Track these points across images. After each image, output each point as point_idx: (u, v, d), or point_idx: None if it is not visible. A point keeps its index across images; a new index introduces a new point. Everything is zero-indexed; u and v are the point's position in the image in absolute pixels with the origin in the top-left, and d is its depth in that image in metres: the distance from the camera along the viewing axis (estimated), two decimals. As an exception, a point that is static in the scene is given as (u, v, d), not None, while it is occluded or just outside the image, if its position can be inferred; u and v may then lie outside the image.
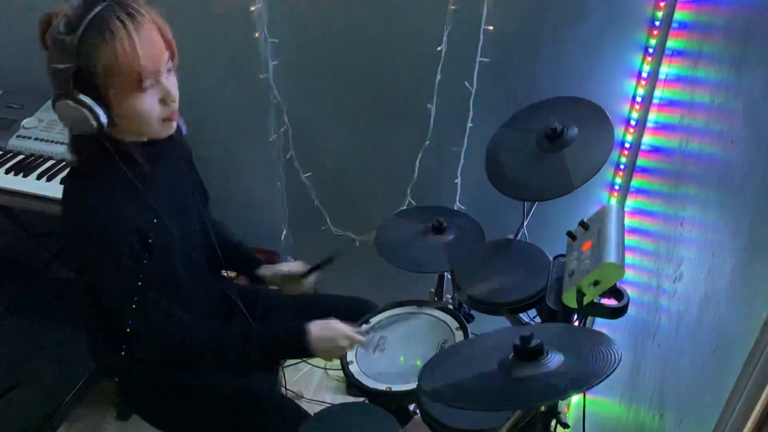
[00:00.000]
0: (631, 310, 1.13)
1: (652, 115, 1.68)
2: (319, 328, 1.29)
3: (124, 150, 1.15)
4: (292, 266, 1.57)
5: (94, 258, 1.16)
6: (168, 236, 1.25)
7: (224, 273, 2.04)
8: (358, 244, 2.21)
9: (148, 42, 1.07)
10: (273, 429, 1.35)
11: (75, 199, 1.16)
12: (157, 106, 1.13)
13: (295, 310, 1.59)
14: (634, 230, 1.68)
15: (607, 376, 0.81)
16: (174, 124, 1.18)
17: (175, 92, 1.15)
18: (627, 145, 1.77)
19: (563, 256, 1.27)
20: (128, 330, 1.18)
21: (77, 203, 1.15)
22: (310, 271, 1.54)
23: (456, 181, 1.96)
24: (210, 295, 1.44)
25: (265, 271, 1.57)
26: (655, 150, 1.67)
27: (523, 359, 0.90)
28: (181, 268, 1.31)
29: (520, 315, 1.44)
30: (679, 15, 1.54)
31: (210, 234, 1.47)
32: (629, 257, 1.59)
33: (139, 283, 1.16)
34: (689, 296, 1.18)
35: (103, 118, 1.08)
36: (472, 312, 1.53)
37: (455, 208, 1.98)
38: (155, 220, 1.21)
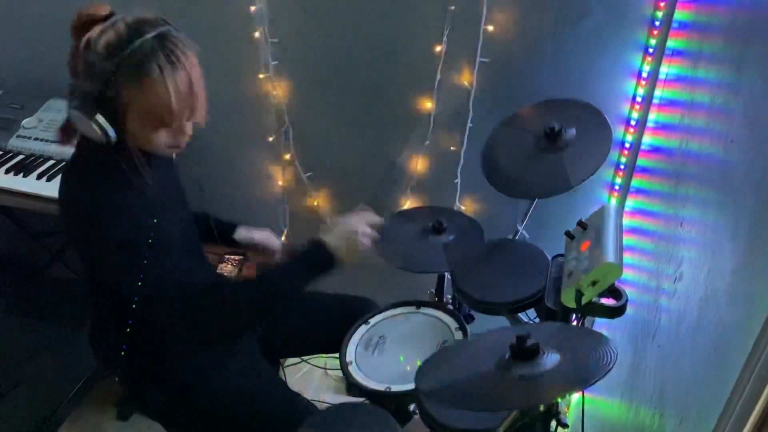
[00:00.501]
0: (631, 310, 1.13)
1: (652, 115, 1.68)
2: (332, 234, 1.29)
3: (125, 151, 1.15)
4: (265, 235, 1.57)
5: (98, 236, 1.15)
6: (165, 233, 1.25)
7: (225, 271, 2.05)
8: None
9: (182, 90, 1.06)
10: (278, 423, 1.35)
11: (78, 184, 1.16)
12: (169, 140, 1.14)
13: (295, 309, 1.59)
14: (634, 230, 1.67)
15: (604, 375, 0.81)
16: (178, 150, 1.19)
17: (188, 132, 1.15)
18: (627, 145, 1.77)
19: (562, 256, 1.27)
20: (130, 322, 1.18)
21: (81, 187, 1.16)
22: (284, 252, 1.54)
23: (456, 181, 1.96)
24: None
25: (241, 237, 1.55)
26: (655, 150, 1.67)
27: (519, 359, 0.90)
28: (182, 269, 1.31)
29: (520, 315, 1.44)
30: (679, 15, 1.54)
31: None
32: (629, 257, 1.59)
33: (145, 260, 1.15)
34: (689, 296, 1.18)
35: (112, 135, 1.09)
36: (472, 312, 1.53)
37: (455, 208, 1.98)
38: (155, 221, 1.22)
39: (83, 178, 1.17)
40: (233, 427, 1.38)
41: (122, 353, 1.26)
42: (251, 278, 1.26)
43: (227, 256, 2.09)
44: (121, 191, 1.15)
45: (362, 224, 1.32)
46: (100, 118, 1.06)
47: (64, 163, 1.95)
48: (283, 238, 2.26)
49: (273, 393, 1.42)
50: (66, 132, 1.19)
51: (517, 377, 0.87)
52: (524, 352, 0.89)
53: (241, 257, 2.20)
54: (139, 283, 1.15)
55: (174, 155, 1.33)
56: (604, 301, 1.11)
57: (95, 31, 1.05)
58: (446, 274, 1.60)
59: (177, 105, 1.07)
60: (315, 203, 2.18)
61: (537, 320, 1.44)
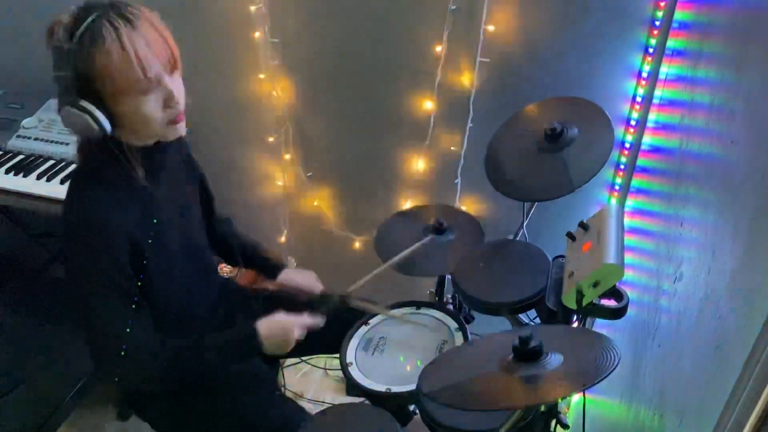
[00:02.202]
0: (631, 310, 1.13)
1: (652, 115, 1.68)
2: (267, 326, 1.30)
3: (131, 154, 1.16)
4: (308, 280, 1.56)
5: (76, 255, 1.16)
6: (169, 238, 1.25)
7: (223, 273, 2.05)
8: (358, 244, 2.21)
9: (144, 46, 1.06)
10: (273, 429, 1.35)
11: (74, 200, 1.16)
12: (159, 109, 1.12)
13: (296, 311, 1.59)
14: (634, 230, 1.68)
15: (607, 376, 0.81)
16: (181, 126, 1.18)
17: (178, 94, 1.14)
18: (627, 145, 1.77)
19: (563, 256, 1.27)
20: (128, 330, 1.18)
21: (75, 204, 1.16)
22: (314, 305, 1.49)
23: (456, 181, 1.96)
24: (211, 294, 1.44)
25: (285, 281, 1.55)
26: (655, 150, 1.67)
27: (522, 360, 0.90)
28: (182, 268, 1.31)
29: (520, 315, 1.44)
30: (679, 15, 1.54)
31: (215, 234, 1.47)
32: (629, 257, 1.59)
33: (113, 294, 1.16)
34: (689, 296, 1.18)
35: (105, 123, 1.08)
36: (472, 312, 1.53)
37: (455, 208, 1.98)
38: (155, 221, 1.22)
39: (82, 190, 1.17)
40: (229, 430, 1.38)
41: (122, 354, 1.25)
42: (184, 347, 1.26)
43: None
44: (119, 208, 1.15)
45: (299, 327, 1.33)
46: (85, 103, 1.06)
47: (64, 163, 1.95)
48: (283, 238, 2.26)
49: (270, 399, 1.42)
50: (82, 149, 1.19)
51: (520, 378, 0.87)
52: (528, 353, 0.89)
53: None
54: (96, 315, 1.16)
55: (185, 151, 1.32)
56: (605, 302, 1.11)
57: (57, 28, 1.07)
58: (446, 274, 1.60)
59: (147, 59, 1.06)
60: (315, 203, 2.18)
61: (537, 321, 1.44)
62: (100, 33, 1.03)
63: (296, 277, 1.55)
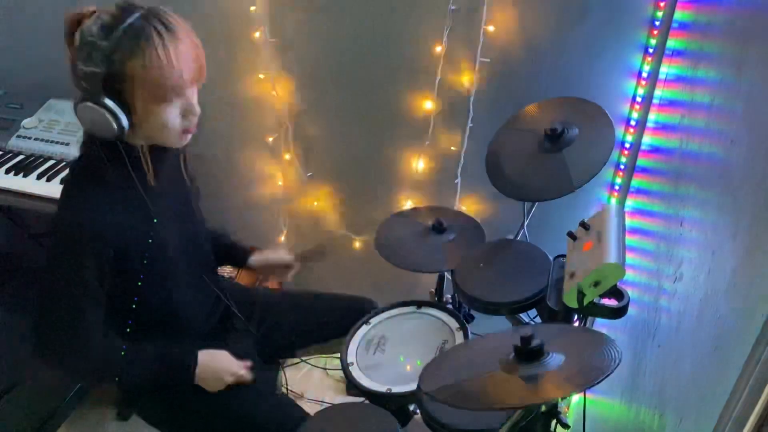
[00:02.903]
0: (631, 310, 1.13)
1: (652, 115, 1.68)
2: (207, 359, 1.31)
3: (135, 154, 1.16)
4: (279, 254, 1.58)
5: (55, 247, 1.17)
6: (169, 238, 1.25)
7: (224, 273, 2.05)
8: (358, 244, 2.21)
9: (181, 55, 1.07)
10: (272, 429, 1.35)
11: (70, 198, 1.16)
12: (177, 119, 1.14)
13: (295, 310, 1.59)
14: (634, 230, 1.68)
15: (608, 376, 0.81)
16: (190, 136, 1.19)
17: (197, 106, 1.16)
18: (627, 145, 1.77)
19: (564, 256, 1.27)
20: (128, 330, 1.18)
21: (70, 201, 1.16)
22: (301, 260, 1.56)
23: (456, 181, 1.96)
24: (210, 293, 1.44)
25: (255, 261, 1.56)
26: (655, 150, 1.67)
27: (523, 359, 0.90)
28: (182, 268, 1.31)
29: (521, 315, 1.44)
30: (679, 15, 1.54)
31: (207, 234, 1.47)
32: (629, 257, 1.59)
33: (78, 291, 1.16)
34: (689, 296, 1.18)
35: (125, 124, 1.08)
36: (472, 312, 1.53)
37: (455, 208, 1.98)
38: (155, 221, 1.22)
39: (77, 185, 1.17)
40: (229, 430, 1.38)
41: (122, 354, 1.25)
42: (119, 346, 1.26)
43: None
44: (109, 208, 1.15)
45: (237, 373, 1.34)
46: (108, 101, 1.06)
47: (64, 163, 1.95)
48: (282, 238, 2.26)
49: (269, 398, 1.42)
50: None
51: (521, 378, 0.88)
52: (529, 352, 0.89)
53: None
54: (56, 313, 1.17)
55: (182, 152, 1.32)
56: (605, 301, 1.11)
57: (86, 22, 1.06)
58: (446, 274, 1.60)
59: (180, 70, 1.07)
60: (315, 203, 2.18)
61: (538, 320, 1.44)
62: (142, 35, 1.03)
63: (268, 256, 1.57)
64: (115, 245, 1.16)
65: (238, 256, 1.57)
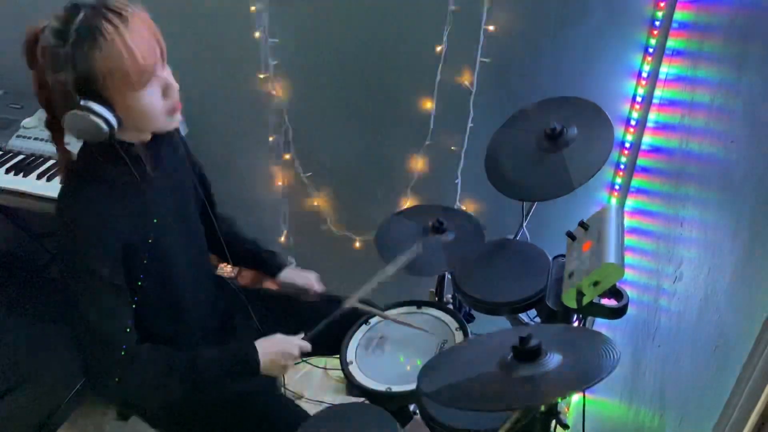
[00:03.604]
0: (631, 310, 1.13)
1: (652, 115, 1.68)
2: (267, 345, 1.29)
3: (130, 151, 1.16)
4: (308, 279, 1.56)
5: (69, 256, 1.16)
6: (169, 237, 1.25)
7: (224, 272, 2.04)
8: (358, 244, 2.21)
9: (140, 39, 1.06)
10: (272, 429, 1.35)
11: (68, 201, 1.16)
12: (160, 100, 1.13)
13: (295, 310, 1.59)
14: (634, 230, 1.68)
15: (607, 376, 0.81)
16: (178, 115, 1.19)
17: (173, 83, 1.15)
18: (627, 145, 1.77)
19: (563, 256, 1.27)
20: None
21: (69, 204, 1.16)
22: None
23: (456, 181, 1.96)
24: (210, 293, 1.44)
25: (284, 278, 1.55)
26: (655, 150, 1.67)
27: (521, 360, 0.90)
28: (182, 267, 1.31)
29: (520, 315, 1.44)
30: (679, 15, 1.54)
31: (216, 230, 1.47)
32: (629, 257, 1.59)
33: (108, 294, 1.15)
34: (689, 296, 1.18)
35: (113, 121, 1.08)
36: (472, 312, 1.53)
37: (455, 208, 1.98)
38: (155, 220, 1.22)
39: (76, 189, 1.17)
40: (229, 430, 1.38)
41: (122, 354, 1.25)
42: (178, 357, 1.24)
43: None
44: (110, 210, 1.15)
45: (298, 350, 1.33)
46: (89, 103, 1.05)
47: (64, 163, 1.95)
48: (283, 238, 2.26)
49: (269, 397, 1.42)
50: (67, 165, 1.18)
51: (520, 378, 0.87)
52: (527, 353, 0.89)
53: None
54: (91, 317, 1.15)
55: (178, 143, 1.32)
56: (605, 301, 1.11)
57: (42, 34, 1.06)
58: (446, 274, 1.60)
59: (144, 50, 1.07)
60: (315, 203, 2.18)
61: (537, 320, 1.44)
62: (97, 30, 1.03)
63: (296, 277, 1.55)
64: (121, 242, 1.16)
65: (270, 266, 1.57)
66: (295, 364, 1.36)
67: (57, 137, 1.17)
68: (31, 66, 1.10)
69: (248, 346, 1.29)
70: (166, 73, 1.14)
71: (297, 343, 1.33)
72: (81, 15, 1.04)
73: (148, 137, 1.20)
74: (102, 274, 1.14)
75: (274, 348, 1.31)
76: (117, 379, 1.18)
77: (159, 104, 1.13)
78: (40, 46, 1.06)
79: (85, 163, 1.18)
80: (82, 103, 1.05)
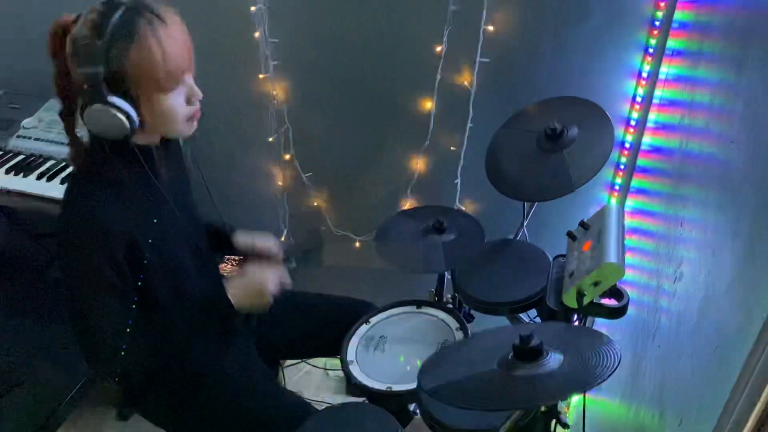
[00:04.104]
0: (631, 310, 1.13)
1: (652, 115, 1.68)
2: (237, 284, 1.29)
3: (144, 152, 1.16)
4: (267, 243, 1.53)
5: (72, 254, 1.16)
6: (171, 238, 1.25)
7: (224, 272, 2.04)
8: (358, 244, 2.21)
9: (173, 43, 1.08)
10: (276, 423, 1.35)
11: (73, 200, 1.16)
12: (183, 105, 1.15)
13: (296, 311, 1.59)
14: (634, 230, 1.68)
15: (608, 376, 0.81)
16: (196, 123, 1.20)
17: (198, 92, 1.17)
18: (627, 145, 1.77)
19: (563, 256, 1.27)
20: (128, 329, 1.18)
21: (74, 203, 1.16)
22: (287, 259, 1.50)
23: (456, 181, 1.96)
24: (211, 293, 1.44)
25: (241, 242, 1.52)
26: (655, 150, 1.67)
27: (522, 359, 0.89)
28: (183, 268, 1.31)
29: (521, 315, 1.44)
30: (679, 15, 1.54)
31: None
32: (629, 257, 1.59)
33: (109, 294, 1.16)
34: (689, 296, 1.18)
35: (136, 120, 1.09)
36: (472, 312, 1.53)
37: (455, 208, 1.98)
38: (155, 220, 1.22)
39: (81, 188, 1.16)
40: (231, 429, 1.38)
41: (122, 354, 1.25)
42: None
43: (227, 257, 2.09)
44: (115, 209, 1.15)
45: (271, 278, 1.32)
46: (115, 99, 1.06)
47: (64, 163, 1.95)
48: (283, 238, 2.26)
49: (270, 394, 1.42)
50: (77, 154, 1.18)
51: (521, 377, 0.87)
52: (528, 352, 0.89)
53: (241, 257, 2.20)
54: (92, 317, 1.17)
55: (185, 146, 1.32)
56: (605, 301, 1.11)
57: (74, 27, 1.06)
58: (446, 274, 1.60)
59: (178, 54, 1.09)
60: (315, 203, 2.18)
61: (537, 320, 1.44)
62: (135, 28, 1.04)
63: (254, 238, 1.52)
64: (125, 243, 1.16)
65: (222, 237, 1.52)
66: (296, 364, 1.36)
67: (69, 128, 1.16)
68: (55, 56, 1.10)
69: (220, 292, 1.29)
70: (192, 81, 1.16)
71: (271, 275, 1.31)
72: (119, 11, 1.05)
73: (158, 140, 1.20)
74: (106, 274, 1.15)
75: (245, 284, 1.30)
76: (117, 376, 1.21)
77: (182, 109, 1.15)
78: (71, 37, 1.06)
79: (95, 160, 1.18)
80: (109, 98, 1.05)
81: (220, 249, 1.56)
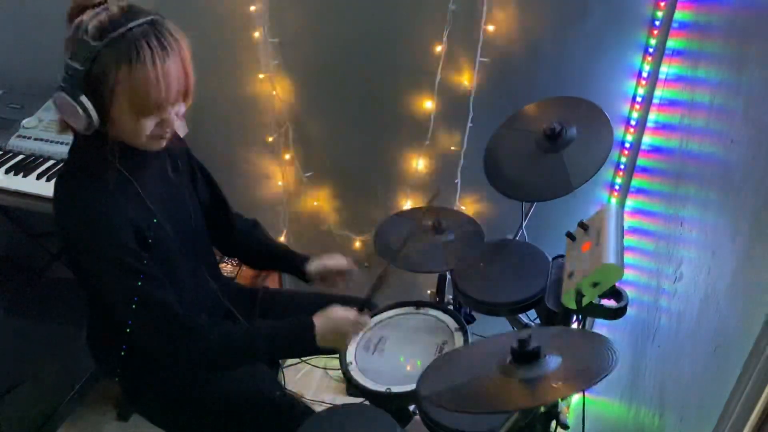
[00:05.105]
0: (631, 310, 1.13)
1: (652, 115, 1.68)
2: (323, 321, 1.27)
3: (120, 148, 1.14)
4: (335, 260, 1.51)
5: (94, 250, 1.15)
6: (164, 234, 1.24)
7: (224, 272, 2.04)
8: (358, 244, 2.21)
9: (169, 76, 1.05)
10: (275, 425, 1.35)
11: (69, 195, 1.15)
12: (151, 128, 1.11)
13: (296, 310, 1.59)
14: (634, 230, 1.67)
15: (605, 376, 0.81)
16: (163, 142, 1.17)
17: (173, 122, 1.13)
18: (627, 145, 1.77)
19: (563, 256, 1.27)
20: (128, 330, 1.18)
21: (72, 199, 1.15)
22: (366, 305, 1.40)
23: (456, 181, 1.96)
24: (210, 294, 1.44)
25: (314, 267, 1.49)
26: (655, 150, 1.67)
27: (521, 362, 0.89)
28: (179, 266, 1.31)
29: (520, 316, 1.44)
30: (679, 15, 1.54)
31: (236, 235, 1.48)
32: (629, 257, 1.59)
33: (139, 282, 1.15)
34: (689, 296, 1.18)
35: (95, 123, 1.07)
36: (472, 312, 1.53)
37: (455, 208, 1.98)
38: (155, 220, 1.21)
39: (73, 186, 1.15)
40: (231, 429, 1.38)
41: (122, 354, 1.25)
42: (236, 331, 1.26)
43: (227, 257, 2.09)
44: (115, 198, 1.14)
45: (356, 323, 1.30)
46: (84, 99, 1.05)
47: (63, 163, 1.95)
48: (283, 238, 2.26)
49: (270, 395, 1.42)
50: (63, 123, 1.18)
51: (520, 380, 0.87)
52: (526, 355, 0.89)
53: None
54: (134, 305, 1.15)
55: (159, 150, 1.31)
56: (604, 302, 1.11)
57: (88, 14, 1.05)
58: (446, 274, 1.60)
59: (165, 91, 1.06)
60: (315, 203, 2.18)
61: (537, 321, 1.44)
62: (134, 47, 1.02)
63: (326, 261, 1.49)
64: (132, 229, 1.15)
65: (292, 262, 1.52)
66: (296, 364, 1.36)
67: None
68: (69, 23, 1.08)
69: (304, 321, 1.27)
70: (174, 111, 1.12)
71: (354, 318, 1.28)
72: (131, 25, 1.03)
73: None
74: (126, 260, 1.13)
75: (332, 321, 1.28)
76: (186, 348, 1.19)
77: (147, 131, 1.11)
78: (77, 21, 1.04)
79: (74, 159, 1.17)
80: (78, 95, 1.04)
81: (281, 270, 1.53)
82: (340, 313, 1.28)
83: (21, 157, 1.97)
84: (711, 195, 1.16)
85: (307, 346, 1.26)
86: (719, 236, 1.06)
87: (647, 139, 1.71)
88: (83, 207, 1.13)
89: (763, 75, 0.98)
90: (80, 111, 1.05)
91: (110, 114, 1.08)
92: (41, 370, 1.90)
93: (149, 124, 1.10)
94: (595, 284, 1.07)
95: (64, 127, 1.13)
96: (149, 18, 1.05)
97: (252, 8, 1.84)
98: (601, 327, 1.81)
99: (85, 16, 1.05)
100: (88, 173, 1.15)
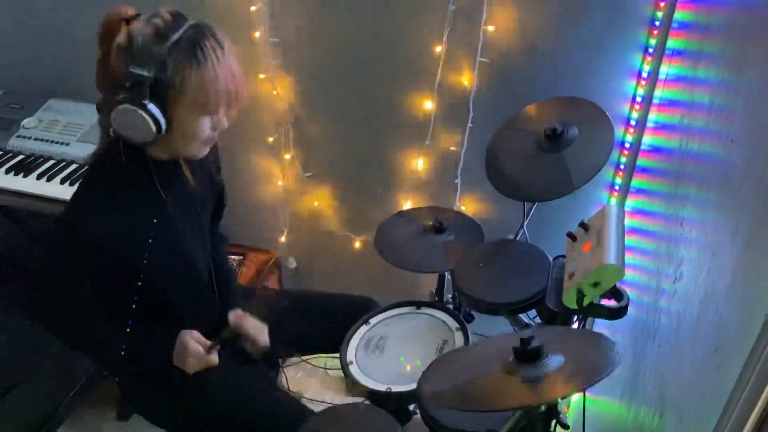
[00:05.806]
0: (631, 310, 1.13)
1: (652, 115, 1.68)
2: (178, 343, 1.28)
3: (154, 164, 1.17)
4: (257, 331, 1.44)
5: (60, 250, 1.18)
6: (173, 249, 1.25)
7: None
8: (358, 244, 2.21)
9: (229, 70, 1.09)
10: (273, 425, 1.35)
11: (79, 204, 1.16)
12: (207, 130, 1.15)
13: (297, 310, 1.59)
14: (634, 230, 1.68)
15: (606, 376, 0.81)
16: (207, 149, 1.21)
17: (226, 124, 1.17)
18: (627, 145, 1.77)
19: (563, 256, 1.27)
20: (128, 330, 1.19)
21: (78, 208, 1.16)
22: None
23: (456, 181, 1.96)
24: (211, 304, 1.44)
25: (233, 318, 1.41)
26: (655, 150, 1.67)
27: (523, 361, 0.90)
28: (183, 279, 1.31)
29: (520, 315, 1.44)
30: (679, 15, 1.54)
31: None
32: (629, 257, 1.59)
33: (78, 288, 1.19)
34: (689, 296, 1.18)
35: (163, 129, 1.09)
36: (473, 312, 1.53)
37: (455, 208, 1.98)
38: (151, 241, 1.21)
39: (87, 198, 1.17)
40: (231, 429, 1.38)
41: (122, 354, 1.26)
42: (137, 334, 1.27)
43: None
44: (125, 213, 1.16)
45: (196, 363, 1.29)
46: (152, 106, 1.05)
47: (64, 163, 1.95)
48: (283, 238, 2.26)
49: (270, 395, 1.42)
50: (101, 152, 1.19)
51: (521, 379, 0.88)
52: (528, 354, 0.89)
53: (240, 257, 2.20)
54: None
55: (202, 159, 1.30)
56: (605, 302, 1.11)
57: (134, 25, 1.06)
58: (446, 274, 1.60)
59: (227, 87, 1.10)
60: (315, 203, 2.18)
61: (537, 321, 1.44)
62: (199, 46, 1.05)
63: (245, 324, 1.42)
64: (117, 252, 1.16)
65: (226, 302, 1.46)
66: (296, 364, 1.36)
67: (106, 120, 1.13)
68: (102, 45, 1.10)
69: (170, 336, 1.28)
70: (228, 115, 1.17)
71: (200, 355, 1.28)
72: (186, 26, 1.06)
73: (166, 157, 1.20)
74: (82, 281, 1.17)
75: (181, 350, 1.28)
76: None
77: (204, 135, 1.15)
78: (129, 32, 1.05)
79: (109, 163, 1.17)
80: (146, 103, 1.05)
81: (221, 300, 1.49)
82: (192, 344, 1.28)
83: (21, 157, 1.97)
84: (711, 195, 1.16)
85: (164, 360, 1.28)
86: (719, 236, 1.06)
87: (647, 139, 1.71)
88: (79, 220, 1.15)
89: (763, 75, 0.98)
90: (148, 119, 1.05)
91: (174, 117, 1.09)
92: (41, 370, 1.89)
93: (207, 125, 1.14)
94: (595, 284, 1.07)
95: (112, 141, 1.14)
96: (197, 21, 1.10)
97: (252, 8, 1.84)
98: (601, 327, 1.81)
99: (132, 28, 1.06)
100: (108, 181, 1.16)
